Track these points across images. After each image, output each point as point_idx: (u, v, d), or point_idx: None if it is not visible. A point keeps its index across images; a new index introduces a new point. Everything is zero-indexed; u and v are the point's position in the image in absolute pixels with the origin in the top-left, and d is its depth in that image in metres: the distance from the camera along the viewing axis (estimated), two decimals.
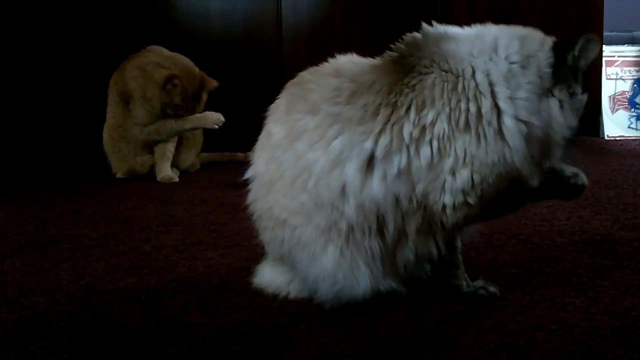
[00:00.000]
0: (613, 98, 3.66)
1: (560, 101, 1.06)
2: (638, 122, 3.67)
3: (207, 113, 2.81)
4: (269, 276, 1.22)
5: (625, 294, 1.16)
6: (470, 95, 1.03)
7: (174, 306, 1.18)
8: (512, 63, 1.05)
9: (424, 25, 1.11)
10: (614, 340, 0.97)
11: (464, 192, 1.04)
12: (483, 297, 1.15)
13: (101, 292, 1.28)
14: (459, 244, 1.16)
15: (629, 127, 3.66)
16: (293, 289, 1.18)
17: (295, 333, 1.04)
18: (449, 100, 1.04)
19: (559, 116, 1.06)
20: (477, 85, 1.04)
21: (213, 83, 2.82)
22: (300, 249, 1.11)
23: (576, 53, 1.07)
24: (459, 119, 1.03)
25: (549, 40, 1.09)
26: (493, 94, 1.04)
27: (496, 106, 1.03)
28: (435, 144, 1.03)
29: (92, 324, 1.11)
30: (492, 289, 1.16)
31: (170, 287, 1.29)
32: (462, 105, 1.03)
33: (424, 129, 1.04)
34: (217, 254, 1.52)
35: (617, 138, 3.59)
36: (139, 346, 1.01)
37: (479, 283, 1.18)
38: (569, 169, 1.13)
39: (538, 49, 1.07)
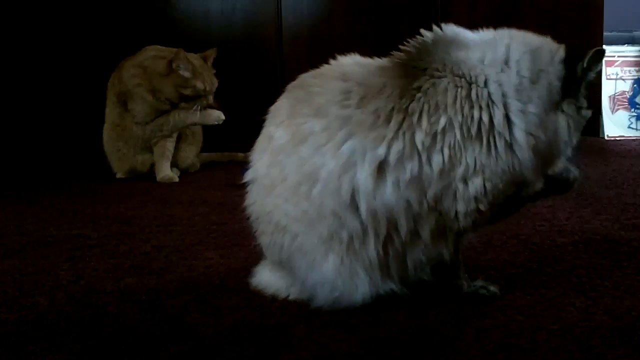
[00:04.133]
0: (613, 98, 3.66)
1: (567, 117, 1.07)
2: (638, 122, 3.67)
3: (209, 110, 2.84)
4: (268, 279, 1.22)
5: (625, 294, 1.16)
6: (483, 104, 1.03)
7: (174, 306, 1.18)
8: (522, 77, 1.04)
9: (435, 28, 1.10)
10: (614, 340, 0.97)
11: (477, 200, 1.05)
12: (484, 296, 1.15)
13: (101, 292, 1.28)
14: (460, 245, 1.16)
15: (629, 127, 3.66)
16: (293, 292, 1.18)
17: (295, 333, 1.04)
18: (462, 107, 1.03)
19: (565, 133, 1.07)
20: (490, 94, 1.04)
21: (211, 52, 2.87)
22: (301, 256, 1.10)
23: (585, 65, 1.07)
24: (470, 127, 1.03)
25: (561, 52, 1.08)
26: (505, 105, 1.04)
27: (507, 118, 1.03)
28: (446, 151, 1.03)
29: (92, 324, 1.11)
30: (492, 288, 1.16)
31: (170, 287, 1.29)
32: (475, 113, 1.03)
33: (435, 136, 1.03)
34: (217, 254, 1.52)
35: (617, 138, 3.59)
36: (139, 346, 1.01)
37: (479, 283, 1.18)
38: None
39: (549, 63, 1.06)
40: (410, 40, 1.12)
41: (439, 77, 1.05)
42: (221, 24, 3.57)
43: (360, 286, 1.09)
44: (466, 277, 1.17)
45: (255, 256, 1.28)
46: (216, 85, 2.85)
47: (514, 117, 1.03)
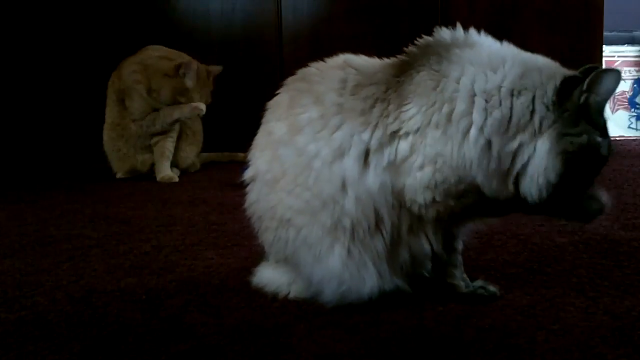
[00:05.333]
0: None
1: (549, 143, 0.99)
2: (638, 122, 3.68)
3: (193, 103, 2.86)
4: (269, 277, 1.22)
5: (625, 294, 1.16)
6: (447, 96, 1.02)
7: (174, 306, 1.18)
8: (502, 86, 1.01)
9: (442, 29, 1.10)
10: (614, 340, 0.97)
11: (430, 189, 1.04)
12: (483, 296, 1.15)
13: (101, 292, 1.28)
14: (459, 245, 1.16)
15: (629, 127, 3.67)
16: (294, 290, 1.18)
17: (295, 333, 1.04)
18: (428, 97, 1.04)
19: (544, 159, 0.99)
20: (457, 89, 1.02)
21: (217, 68, 2.92)
22: (306, 250, 1.10)
23: (585, 87, 0.99)
24: (432, 116, 1.03)
25: (559, 76, 1.01)
26: (471, 101, 1.02)
27: (470, 114, 1.02)
28: (410, 138, 1.04)
29: (92, 324, 1.11)
30: (492, 288, 1.16)
31: (170, 287, 1.29)
32: (437, 104, 1.03)
33: (402, 122, 1.05)
34: (217, 254, 1.52)
35: (617, 138, 3.59)
36: (139, 346, 1.01)
37: (479, 283, 1.18)
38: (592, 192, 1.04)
39: (537, 85, 1.01)
40: (414, 41, 1.12)
41: (419, 71, 1.06)
42: (221, 24, 3.57)
43: (368, 279, 1.09)
44: (465, 277, 1.17)
45: (255, 256, 1.28)
46: (209, 102, 2.89)
47: (475, 114, 1.01)
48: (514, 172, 1.02)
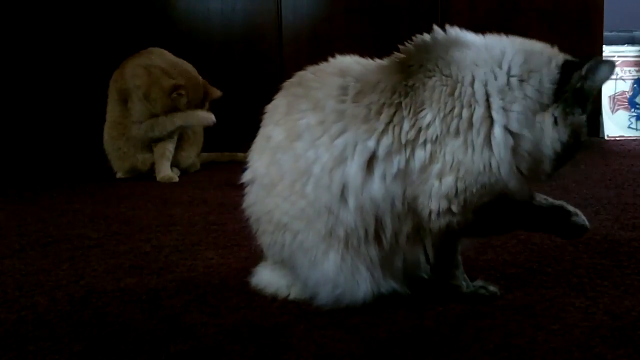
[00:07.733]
0: (613, 98, 3.66)
1: (555, 117, 1.05)
2: (638, 122, 3.68)
3: (199, 111, 2.86)
4: (268, 278, 1.22)
5: (625, 294, 1.16)
6: (465, 102, 1.04)
7: (174, 306, 1.18)
8: (511, 76, 1.05)
9: (436, 28, 1.11)
10: (614, 340, 0.97)
11: (448, 199, 1.04)
12: (483, 296, 1.15)
13: (101, 292, 1.28)
14: (459, 246, 1.16)
15: (629, 127, 3.67)
16: (294, 292, 1.18)
17: (295, 333, 1.04)
18: (445, 104, 1.04)
19: (551, 131, 1.05)
20: (473, 93, 1.04)
21: (216, 93, 2.93)
22: (302, 254, 1.11)
23: (583, 73, 1.05)
24: (450, 124, 1.04)
25: (560, 58, 1.08)
26: (488, 103, 1.04)
27: (489, 116, 1.03)
28: (428, 146, 1.04)
29: (92, 324, 1.11)
30: (492, 288, 1.17)
31: (170, 287, 1.29)
32: (456, 110, 1.04)
33: (419, 130, 1.05)
34: (217, 254, 1.52)
35: (617, 138, 3.59)
36: (139, 346, 1.01)
37: (479, 283, 1.18)
38: (571, 208, 1.13)
39: (543, 65, 1.06)
40: (410, 40, 1.12)
41: (430, 76, 1.07)
42: (221, 24, 3.58)
43: (361, 283, 1.09)
44: (465, 277, 1.17)
45: (255, 256, 1.28)
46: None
47: (495, 114, 1.03)
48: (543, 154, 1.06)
